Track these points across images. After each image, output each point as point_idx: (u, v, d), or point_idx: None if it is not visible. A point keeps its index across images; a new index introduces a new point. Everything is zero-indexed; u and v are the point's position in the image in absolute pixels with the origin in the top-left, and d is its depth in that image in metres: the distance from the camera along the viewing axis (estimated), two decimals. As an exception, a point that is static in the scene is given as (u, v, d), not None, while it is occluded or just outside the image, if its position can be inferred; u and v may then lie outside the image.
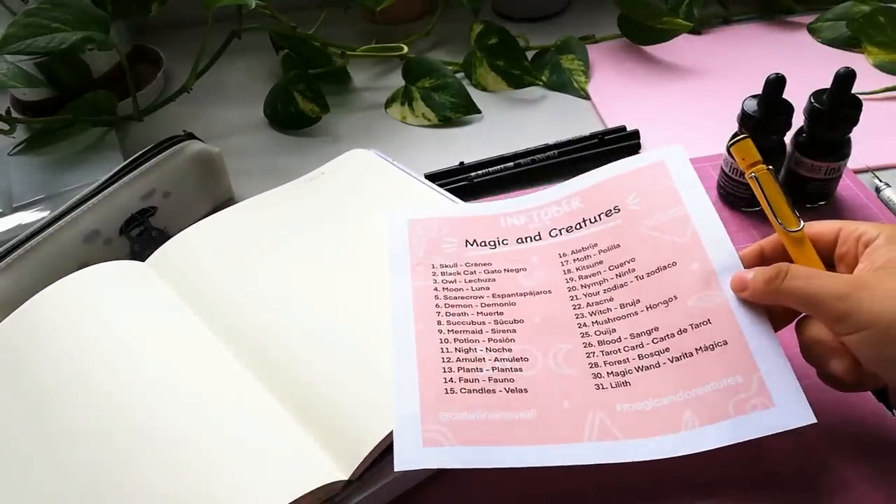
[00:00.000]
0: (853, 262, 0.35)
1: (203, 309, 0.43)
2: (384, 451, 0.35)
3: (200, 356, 0.40)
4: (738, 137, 0.40)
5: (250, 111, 0.69)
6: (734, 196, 0.52)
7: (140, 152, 0.52)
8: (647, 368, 0.37)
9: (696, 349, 0.36)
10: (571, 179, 0.47)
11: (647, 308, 0.39)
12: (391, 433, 0.35)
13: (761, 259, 0.39)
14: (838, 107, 0.46)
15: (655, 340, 0.38)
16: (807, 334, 0.35)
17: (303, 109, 0.66)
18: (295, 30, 0.68)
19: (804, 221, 0.37)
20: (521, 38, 0.71)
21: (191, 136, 0.55)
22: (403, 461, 0.33)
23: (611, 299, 0.40)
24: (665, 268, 0.40)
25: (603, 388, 0.37)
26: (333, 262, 0.45)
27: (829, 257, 0.37)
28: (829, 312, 0.33)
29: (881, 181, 0.53)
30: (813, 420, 0.33)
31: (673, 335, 0.37)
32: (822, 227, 0.37)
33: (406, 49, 0.70)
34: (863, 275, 0.34)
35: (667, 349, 0.37)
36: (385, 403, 0.36)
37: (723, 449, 0.33)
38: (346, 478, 0.34)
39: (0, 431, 0.38)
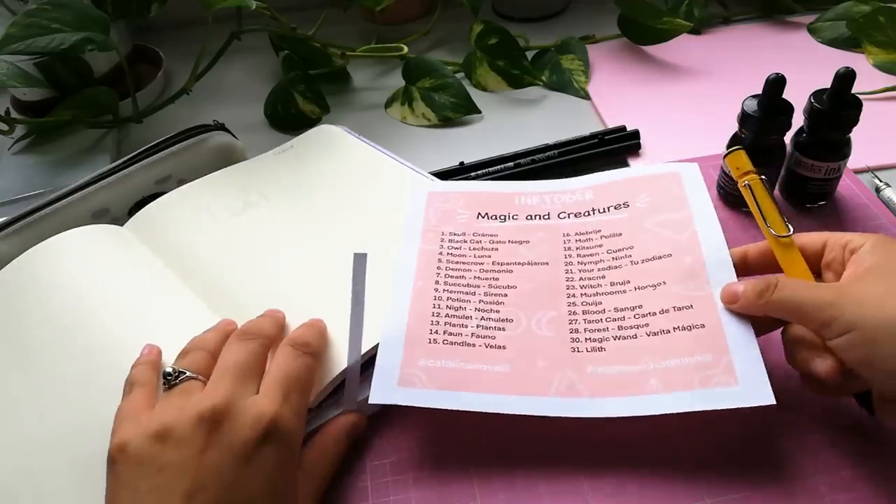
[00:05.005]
0: (840, 269, 0.36)
1: (178, 266, 0.46)
2: (337, 388, 0.39)
3: (177, 308, 0.43)
4: (732, 148, 0.42)
5: (251, 112, 0.69)
6: (734, 196, 0.52)
7: (165, 136, 0.52)
8: (624, 339, 0.39)
9: (674, 328, 0.38)
10: (588, 175, 0.49)
11: (636, 288, 0.41)
12: (342, 373, 0.39)
13: (745, 263, 0.40)
14: (838, 107, 0.46)
15: (637, 316, 0.40)
16: (790, 335, 0.36)
17: (303, 110, 0.66)
18: (295, 30, 0.68)
19: (793, 229, 0.38)
20: (521, 38, 0.71)
21: (221, 127, 0.54)
22: (378, 396, 0.37)
23: (603, 277, 0.42)
24: (660, 257, 0.42)
25: (578, 352, 0.39)
26: (300, 226, 0.49)
27: (815, 266, 0.38)
28: (816, 319, 0.33)
29: (881, 181, 0.53)
30: (772, 400, 0.34)
31: (654, 313, 0.39)
32: (809, 238, 0.39)
33: (406, 49, 0.70)
34: (848, 281, 0.34)
35: (646, 324, 0.39)
36: (340, 348, 0.40)
37: (719, 452, 0.33)
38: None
39: None
